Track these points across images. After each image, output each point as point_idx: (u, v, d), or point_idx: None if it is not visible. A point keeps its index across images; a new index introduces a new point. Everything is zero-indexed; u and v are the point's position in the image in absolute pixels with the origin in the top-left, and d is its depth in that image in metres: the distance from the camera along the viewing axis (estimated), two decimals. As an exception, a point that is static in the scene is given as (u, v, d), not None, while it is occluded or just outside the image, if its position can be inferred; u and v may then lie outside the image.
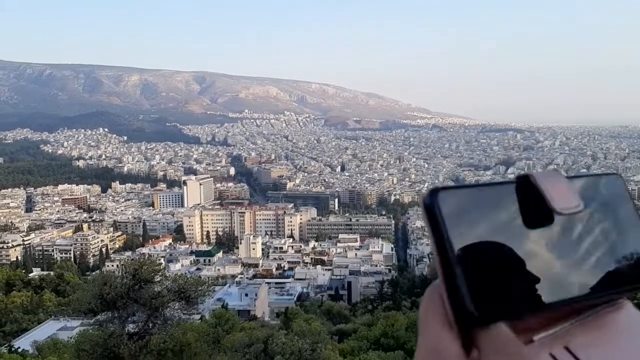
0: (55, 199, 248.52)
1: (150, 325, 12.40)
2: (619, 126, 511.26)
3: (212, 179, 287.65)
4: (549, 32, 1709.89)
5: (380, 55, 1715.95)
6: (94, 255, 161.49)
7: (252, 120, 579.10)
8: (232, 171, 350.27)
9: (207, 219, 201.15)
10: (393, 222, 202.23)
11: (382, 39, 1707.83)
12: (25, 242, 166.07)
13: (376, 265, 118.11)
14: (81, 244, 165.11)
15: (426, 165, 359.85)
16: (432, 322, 0.77)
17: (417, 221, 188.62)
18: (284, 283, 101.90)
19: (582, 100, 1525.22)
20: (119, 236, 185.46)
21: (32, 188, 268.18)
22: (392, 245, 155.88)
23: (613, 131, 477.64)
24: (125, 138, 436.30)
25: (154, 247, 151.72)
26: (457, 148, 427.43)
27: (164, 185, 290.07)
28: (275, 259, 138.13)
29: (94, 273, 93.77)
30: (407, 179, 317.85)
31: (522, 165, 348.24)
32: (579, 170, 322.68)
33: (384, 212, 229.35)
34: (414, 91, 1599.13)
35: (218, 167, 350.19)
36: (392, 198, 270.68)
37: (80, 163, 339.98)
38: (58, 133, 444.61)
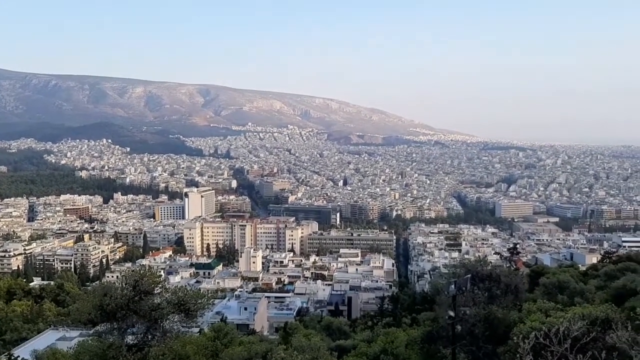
0: (57, 208, 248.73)
1: (150, 337, 12.43)
2: (622, 146, 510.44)
3: (213, 191, 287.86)
4: (553, 52, 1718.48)
5: (384, 71, 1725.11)
6: (94, 266, 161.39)
7: (255, 134, 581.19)
8: (234, 184, 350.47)
9: (207, 232, 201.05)
10: (394, 237, 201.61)
11: (386, 55, 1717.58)
12: (27, 252, 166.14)
13: (377, 281, 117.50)
14: (82, 254, 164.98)
15: (428, 181, 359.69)
16: None
17: (419, 237, 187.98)
18: (284, 297, 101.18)
19: (584, 119, 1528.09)
20: (119, 247, 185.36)
21: (35, 197, 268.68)
22: (393, 261, 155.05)
23: (616, 151, 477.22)
24: (129, 149, 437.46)
25: (154, 259, 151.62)
26: (459, 165, 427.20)
27: (166, 197, 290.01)
28: (275, 272, 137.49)
29: (94, 283, 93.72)
30: (409, 194, 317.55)
31: (524, 183, 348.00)
32: (581, 190, 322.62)
33: (385, 227, 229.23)
34: (417, 107, 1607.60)
35: (220, 180, 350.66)
36: (394, 213, 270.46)
37: (83, 173, 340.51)
38: (62, 143, 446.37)
